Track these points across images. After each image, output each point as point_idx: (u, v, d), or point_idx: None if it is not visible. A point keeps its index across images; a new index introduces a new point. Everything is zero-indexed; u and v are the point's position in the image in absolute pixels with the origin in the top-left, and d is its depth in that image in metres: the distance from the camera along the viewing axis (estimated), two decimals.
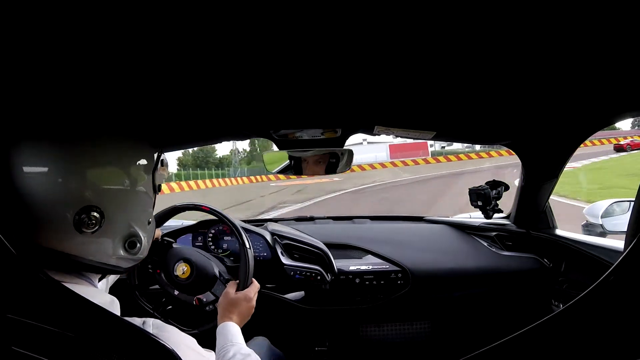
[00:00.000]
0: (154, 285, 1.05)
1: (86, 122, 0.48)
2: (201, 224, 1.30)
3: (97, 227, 0.45)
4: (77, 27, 0.42)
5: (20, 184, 0.42)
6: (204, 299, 0.96)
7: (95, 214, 0.45)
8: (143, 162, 0.53)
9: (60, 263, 0.46)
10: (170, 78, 0.63)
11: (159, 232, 0.98)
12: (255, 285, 0.90)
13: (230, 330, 0.74)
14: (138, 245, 0.51)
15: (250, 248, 0.96)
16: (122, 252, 0.50)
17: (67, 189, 0.44)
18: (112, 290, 0.84)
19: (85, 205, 0.45)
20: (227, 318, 0.79)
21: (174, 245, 1.02)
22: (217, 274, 0.98)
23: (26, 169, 0.43)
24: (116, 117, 0.52)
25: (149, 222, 0.55)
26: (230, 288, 0.87)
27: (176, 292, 0.98)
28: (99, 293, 0.50)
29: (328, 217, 1.68)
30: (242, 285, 0.89)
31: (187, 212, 1.07)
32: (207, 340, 0.73)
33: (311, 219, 1.65)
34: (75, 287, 0.46)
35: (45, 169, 0.43)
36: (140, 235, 0.52)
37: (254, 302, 0.87)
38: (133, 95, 0.68)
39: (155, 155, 0.58)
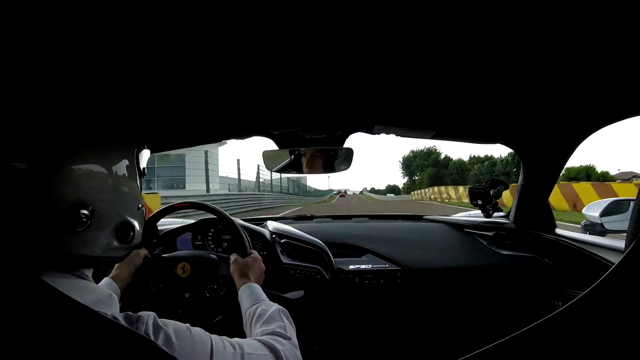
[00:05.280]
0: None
1: (78, 122, 0.47)
2: (201, 223, 1.29)
3: (88, 223, 0.45)
4: (73, 26, 0.42)
5: (7, 182, 0.41)
6: (215, 286, 0.95)
7: (84, 211, 0.45)
8: (130, 160, 0.53)
9: (55, 262, 0.45)
10: (170, 76, 0.62)
11: (145, 252, 0.97)
12: (256, 254, 0.93)
13: (254, 290, 0.77)
14: (131, 233, 0.52)
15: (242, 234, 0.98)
16: (115, 243, 0.50)
17: (56, 188, 0.43)
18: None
19: (75, 203, 0.44)
20: (245, 280, 0.81)
21: (164, 256, 1.01)
22: (216, 257, 0.99)
23: (15, 166, 0.41)
24: (108, 117, 0.51)
25: (139, 208, 0.55)
26: (235, 257, 0.90)
27: (187, 295, 0.96)
28: (93, 287, 0.49)
29: (327, 216, 1.68)
30: (243, 254, 0.91)
31: (186, 211, 1.06)
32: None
33: (311, 217, 1.66)
34: (64, 281, 0.45)
35: (35, 168, 0.42)
36: (132, 222, 0.52)
37: (262, 264, 0.90)
38: (132, 95, 0.68)
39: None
